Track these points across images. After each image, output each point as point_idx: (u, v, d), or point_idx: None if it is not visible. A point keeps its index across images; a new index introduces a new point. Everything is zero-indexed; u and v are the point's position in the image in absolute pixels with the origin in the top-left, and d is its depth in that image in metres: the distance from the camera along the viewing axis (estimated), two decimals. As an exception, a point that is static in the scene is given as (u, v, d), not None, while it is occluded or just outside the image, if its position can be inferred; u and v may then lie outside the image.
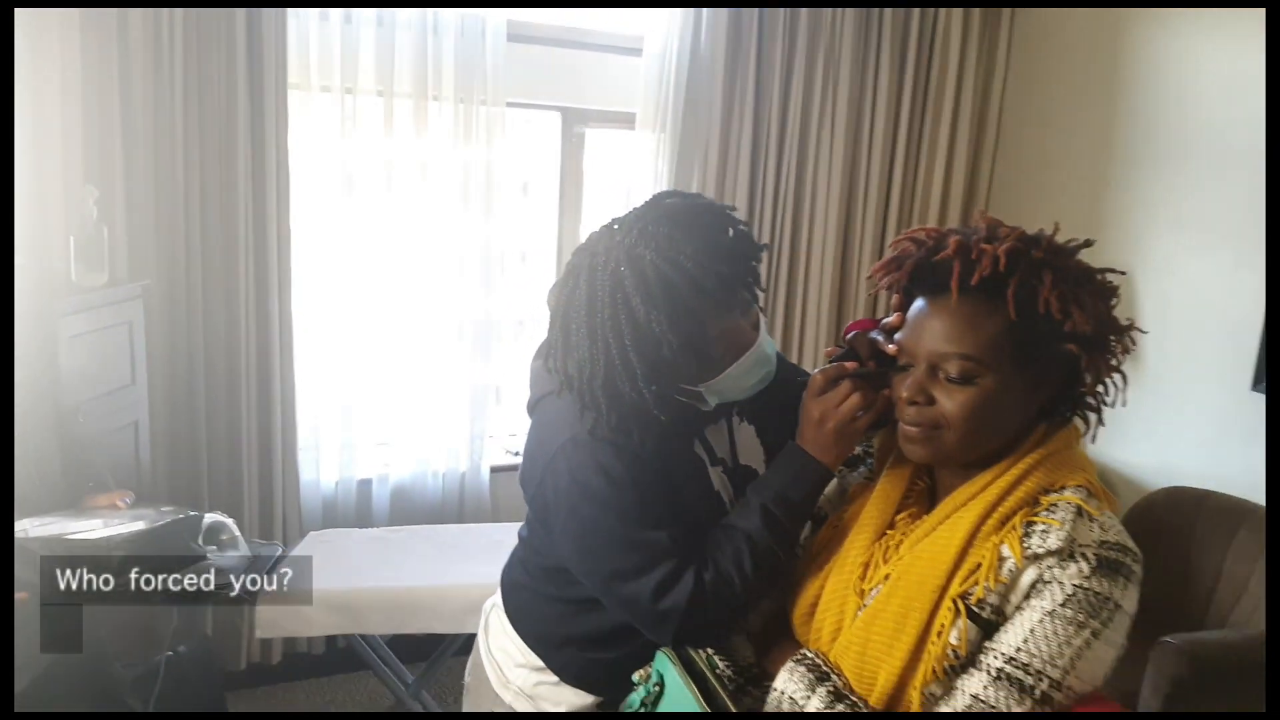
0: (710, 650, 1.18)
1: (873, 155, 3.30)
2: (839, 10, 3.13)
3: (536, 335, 1.53)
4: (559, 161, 3.16)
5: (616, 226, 1.21)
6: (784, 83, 3.14)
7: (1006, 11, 3.37)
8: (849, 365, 1.18)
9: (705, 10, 2.98)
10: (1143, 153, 3.08)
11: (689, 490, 1.27)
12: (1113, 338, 1.09)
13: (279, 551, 2.33)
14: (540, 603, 1.39)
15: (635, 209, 1.22)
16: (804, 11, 3.10)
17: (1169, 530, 2.85)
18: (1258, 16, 2.74)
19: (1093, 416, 1.14)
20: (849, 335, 1.23)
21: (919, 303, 1.12)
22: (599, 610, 1.30)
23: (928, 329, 1.09)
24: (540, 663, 1.38)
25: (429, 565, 2.37)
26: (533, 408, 1.37)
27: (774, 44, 3.09)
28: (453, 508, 3.06)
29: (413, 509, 3.01)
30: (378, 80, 2.73)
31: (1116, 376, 1.11)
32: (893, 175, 3.37)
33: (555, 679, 1.37)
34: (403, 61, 2.74)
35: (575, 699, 1.36)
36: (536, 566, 1.39)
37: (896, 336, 1.14)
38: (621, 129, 3.16)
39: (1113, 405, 1.13)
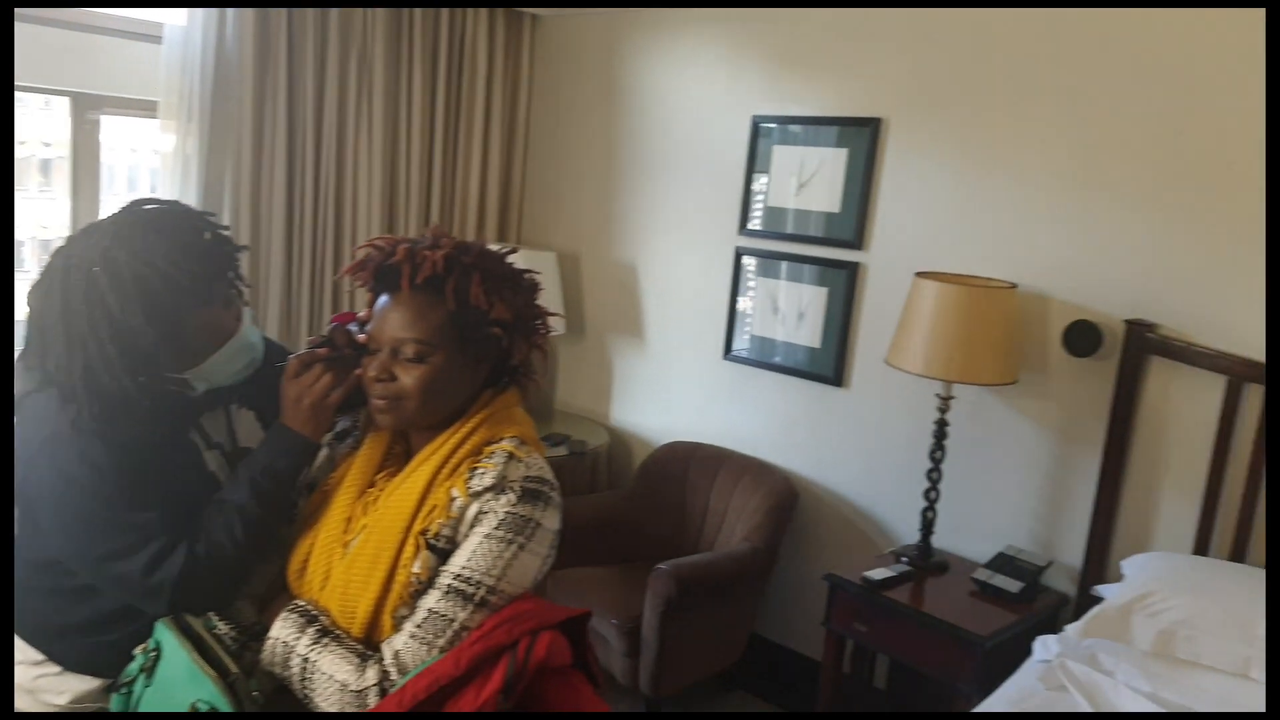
0: (211, 615, 1.30)
1: (412, 151, 3.51)
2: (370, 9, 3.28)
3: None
4: (70, 149, 2.94)
5: (92, 231, 1.28)
6: (318, 77, 3.23)
7: (528, 15, 3.75)
8: (320, 351, 1.37)
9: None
10: (640, 161, 3.63)
11: (181, 473, 1.38)
12: (536, 323, 1.41)
13: None
14: (35, 598, 1.41)
15: (111, 215, 1.31)
16: (334, 10, 3.21)
17: (669, 478, 3.45)
18: (718, 44, 3.37)
19: (527, 384, 1.46)
20: (331, 326, 1.43)
21: (382, 298, 1.35)
22: (96, 596, 1.36)
23: (388, 319, 1.33)
24: (40, 656, 1.40)
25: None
26: (16, 407, 1.37)
27: (305, 37, 3.16)
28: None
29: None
30: None
31: (540, 353, 1.44)
32: (433, 170, 3.62)
33: (58, 669, 1.40)
34: None
35: (79, 685, 1.40)
36: (28, 562, 1.40)
37: (366, 326, 1.37)
38: (144, 116, 3.02)
39: (537, 375, 1.45)
